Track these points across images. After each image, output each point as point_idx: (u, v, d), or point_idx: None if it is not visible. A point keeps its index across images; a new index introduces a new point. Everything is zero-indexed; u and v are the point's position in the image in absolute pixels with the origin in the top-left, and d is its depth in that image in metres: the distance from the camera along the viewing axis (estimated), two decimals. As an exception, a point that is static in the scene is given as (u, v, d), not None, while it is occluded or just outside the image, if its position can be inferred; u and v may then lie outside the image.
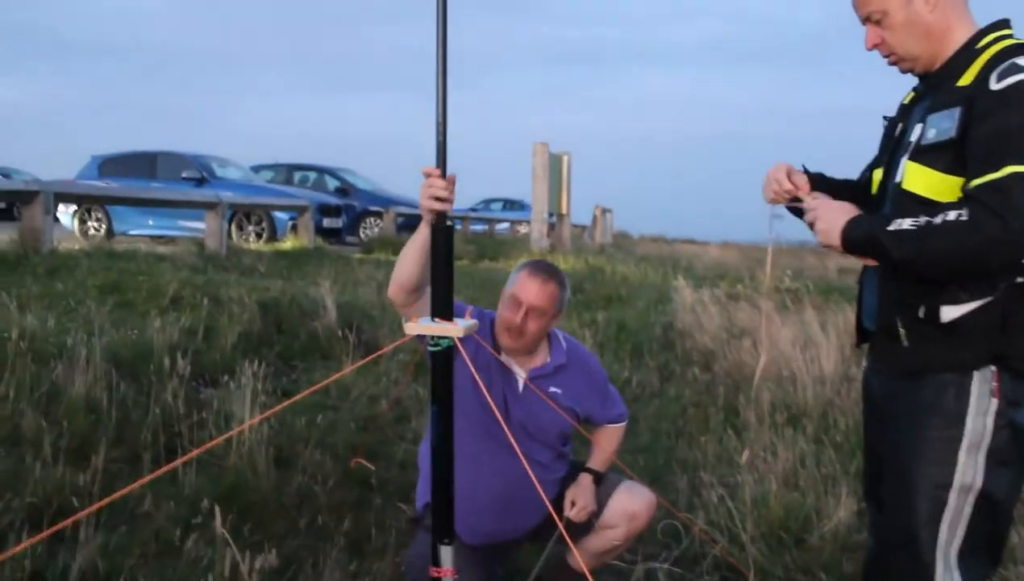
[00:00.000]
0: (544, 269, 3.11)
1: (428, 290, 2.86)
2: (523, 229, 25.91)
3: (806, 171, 2.49)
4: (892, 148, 2.34)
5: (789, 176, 2.44)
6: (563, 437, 3.27)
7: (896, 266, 2.10)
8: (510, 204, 36.53)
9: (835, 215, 2.19)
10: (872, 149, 2.51)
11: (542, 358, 3.21)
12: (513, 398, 3.13)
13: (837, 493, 4.26)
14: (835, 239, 2.16)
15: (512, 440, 2.53)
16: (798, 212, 2.43)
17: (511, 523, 3.22)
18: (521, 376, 3.14)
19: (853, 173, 2.62)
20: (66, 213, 15.30)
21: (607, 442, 3.42)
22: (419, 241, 2.64)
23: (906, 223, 2.02)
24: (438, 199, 2.29)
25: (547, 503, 2.58)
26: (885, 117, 2.46)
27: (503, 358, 3.13)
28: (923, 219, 2.00)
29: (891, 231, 2.04)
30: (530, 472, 2.49)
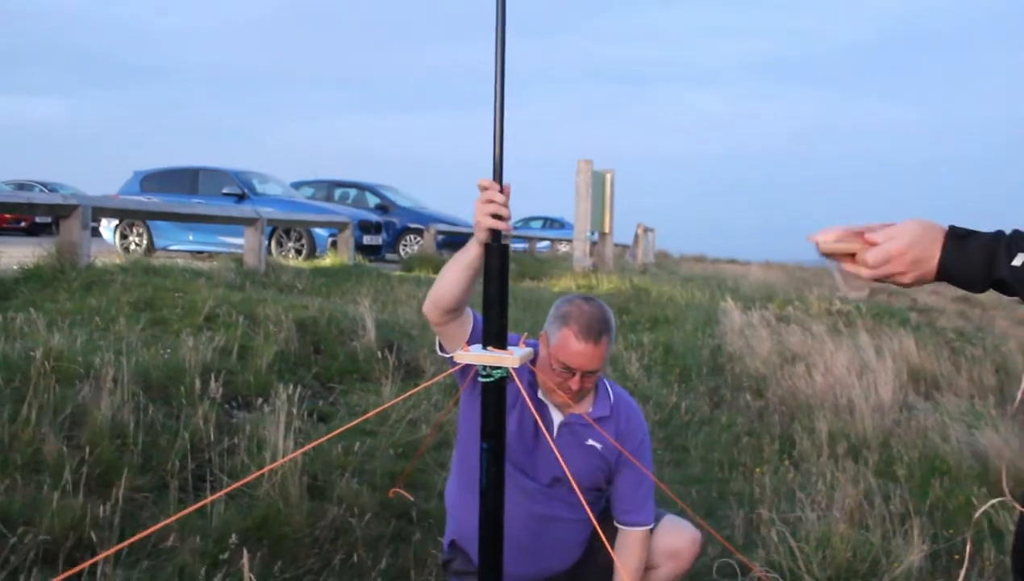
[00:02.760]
0: (594, 330, 2.75)
1: (465, 313, 2.63)
2: (563, 247, 25.64)
3: None
4: None
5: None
6: (595, 491, 2.99)
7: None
8: (549, 222, 36.44)
9: (929, 234, 1.68)
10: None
11: (585, 406, 2.93)
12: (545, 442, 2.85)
13: (908, 533, 3.99)
14: (930, 267, 1.67)
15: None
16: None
17: (544, 564, 2.96)
18: (556, 419, 2.91)
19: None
20: (108, 228, 15.39)
21: (631, 557, 2.94)
22: (466, 259, 2.36)
23: None
24: (497, 216, 2.07)
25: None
26: None
27: (540, 395, 2.91)
28: None
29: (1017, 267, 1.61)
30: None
